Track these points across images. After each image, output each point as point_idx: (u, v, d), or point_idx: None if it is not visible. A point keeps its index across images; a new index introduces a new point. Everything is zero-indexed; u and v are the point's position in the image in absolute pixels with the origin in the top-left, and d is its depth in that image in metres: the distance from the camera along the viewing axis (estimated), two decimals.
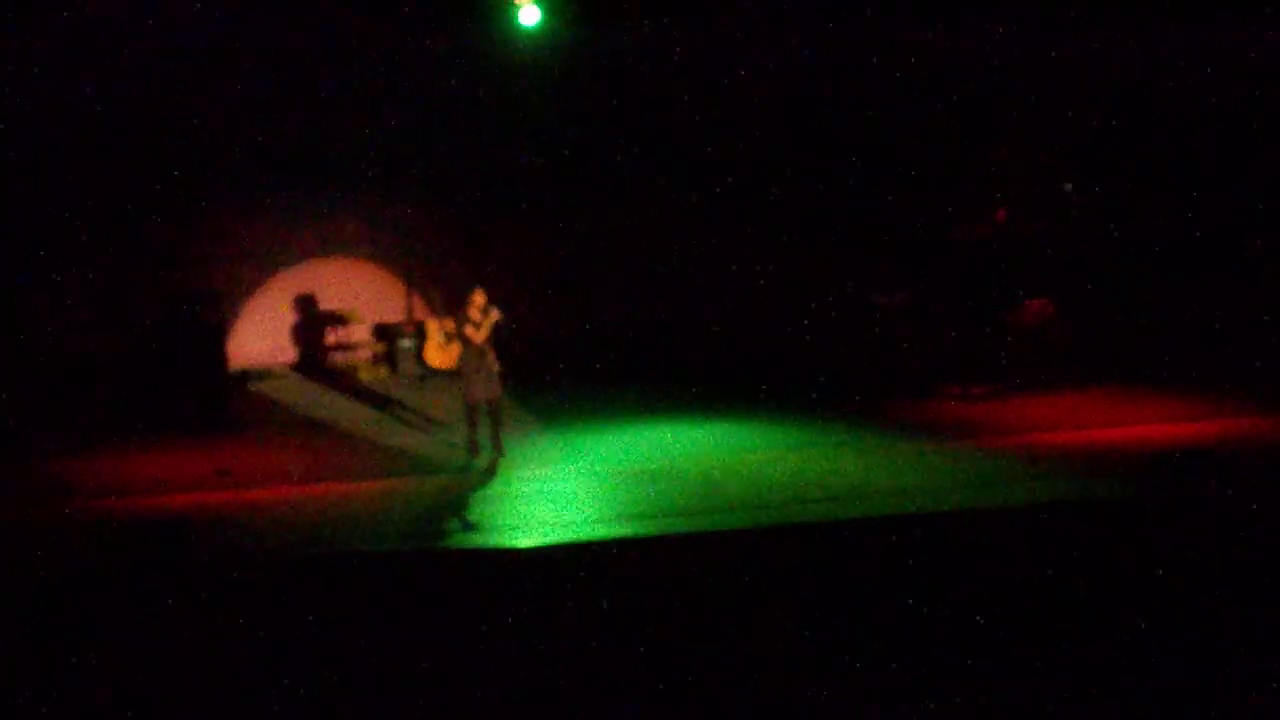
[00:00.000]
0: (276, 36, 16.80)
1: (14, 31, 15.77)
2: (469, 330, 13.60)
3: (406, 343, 18.56)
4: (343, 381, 18.35)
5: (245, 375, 18.02)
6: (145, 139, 17.13)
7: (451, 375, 17.54)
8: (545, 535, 11.19)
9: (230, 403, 16.42)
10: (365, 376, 18.64)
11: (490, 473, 13.46)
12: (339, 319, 18.95)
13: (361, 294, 19.29)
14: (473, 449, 13.92)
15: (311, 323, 19.06)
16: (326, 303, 19.10)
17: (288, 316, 19.13)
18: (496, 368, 13.76)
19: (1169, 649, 8.23)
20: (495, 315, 13.61)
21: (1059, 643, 8.26)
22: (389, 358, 18.66)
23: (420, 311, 18.91)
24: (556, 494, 12.52)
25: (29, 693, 7.93)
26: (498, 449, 13.93)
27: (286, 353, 19.11)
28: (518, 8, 16.35)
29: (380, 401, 17.15)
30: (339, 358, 18.95)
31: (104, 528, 11.31)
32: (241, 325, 18.47)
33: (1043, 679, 7.86)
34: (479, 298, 13.65)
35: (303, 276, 19.21)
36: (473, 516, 11.90)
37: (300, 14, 16.69)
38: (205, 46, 16.62)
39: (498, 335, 13.74)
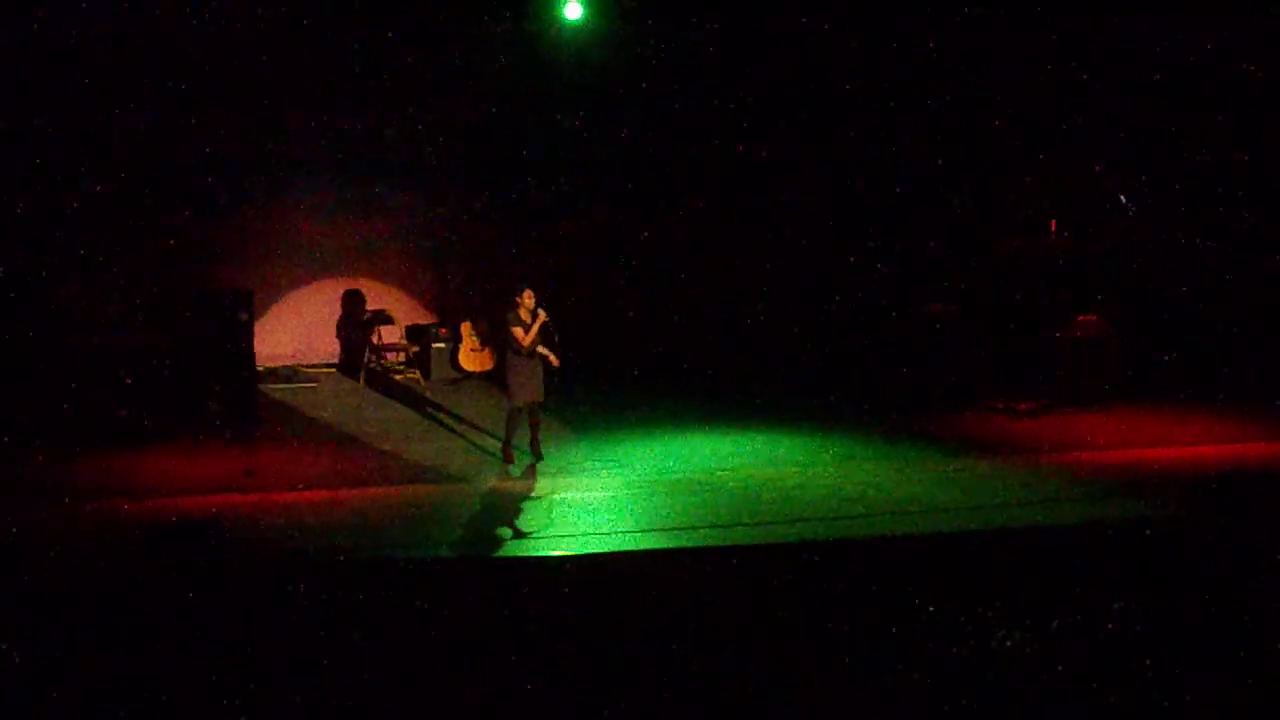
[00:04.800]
0: (313, 35, 16.63)
1: (53, 27, 15.68)
2: (518, 332, 13.27)
3: (439, 345, 18.37)
4: (377, 382, 18.15)
5: (274, 374, 17.87)
6: (178, 135, 17.01)
7: (484, 378, 17.48)
8: (579, 545, 11.00)
9: (258, 403, 16.25)
10: (397, 379, 18.47)
11: (525, 479, 13.27)
12: (387, 318, 18.77)
13: (392, 294, 19.13)
14: (507, 455, 13.66)
15: (357, 321, 18.82)
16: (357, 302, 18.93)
17: (318, 314, 18.95)
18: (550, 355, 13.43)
19: (1216, 671, 8.15)
20: (543, 317, 13.30)
21: (1099, 669, 8.14)
22: (421, 360, 18.44)
23: (454, 313, 18.73)
24: (591, 503, 12.33)
25: (50, 695, 7.87)
26: (536, 454, 13.69)
27: (316, 352, 18.94)
28: (563, 2, 16.19)
29: (414, 404, 16.94)
30: (375, 359, 18.80)
31: (127, 528, 11.23)
32: (270, 323, 18.29)
33: (1083, 703, 7.71)
34: (528, 299, 13.31)
35: (333, 275, 19.02)
36: (504, 524, 11.73)
37: (337, 12, 16.52)
38: (243, 44, 16.47)
39: (545, 337, 13.42)
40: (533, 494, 12.75)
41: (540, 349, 13.33)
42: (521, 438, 13.73)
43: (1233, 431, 15.08)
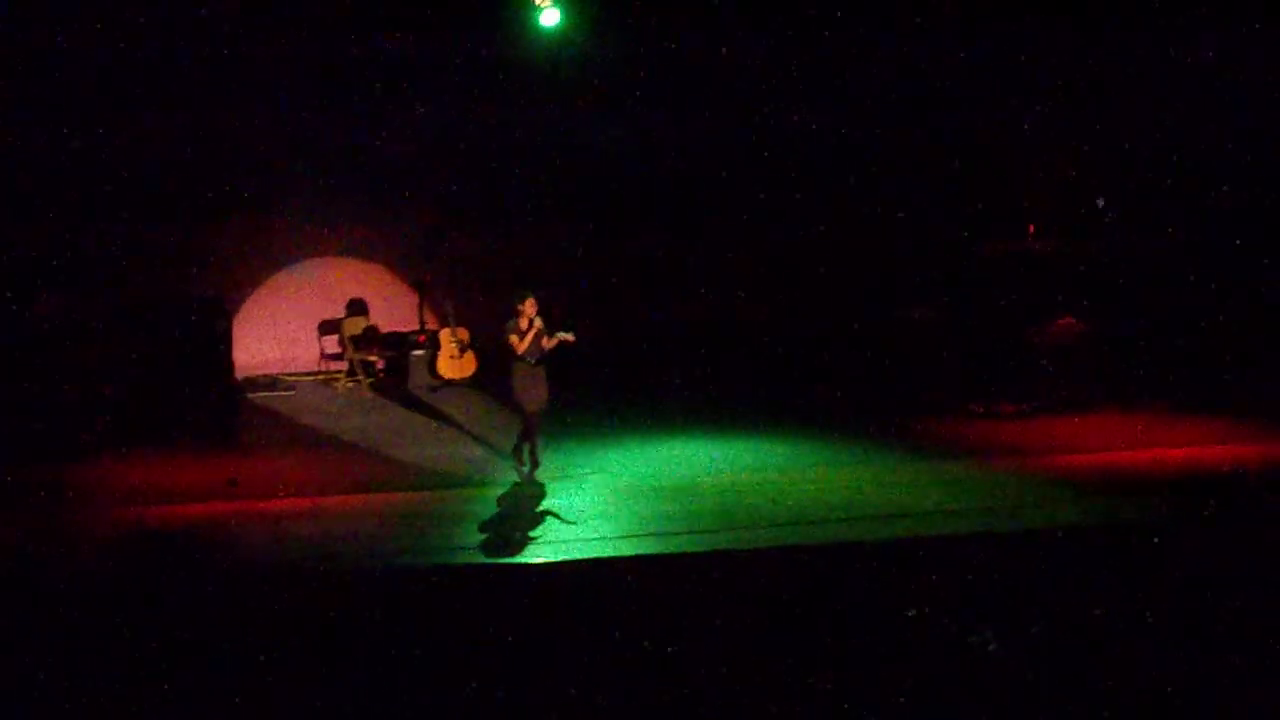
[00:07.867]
0: (290, 36, 16.57)
1: (24, 32, 15.60)
2: (513, 340, 13.18)
3: (419, 352, 18.31)
4: (357, 390, 18.07)
5: (254, 383, 17.79)
6: (153, 140, 16.92)
7: (463, 386, 17.43)
8: (561, 551, 11.00)
9: (240, 411, 16.19)
10: (376, 386, 18.39)
11: (512, 485, 13.23)
12: (367, 326, 18.69)
13: (371, 301, 19.05)
14: (519, 459, 13.48)
15: (337, 330, 18.70)
16: (336, 311, 18.80)
17: (298, 323, 18.83)
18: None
19: (1194, 673, 8.18)
20: (538, 325, 13.20)
21: (1084, 671, 8.15)
22: (400, 367, 18.37)
23: (433, 321, 18.69)
24: (574, 509, 12.31)
25: (34, 701, 7.84)
26: (533, 461, 13.59)
27: (296, 361, 18.84)
28: (539, 10, 16.17)
29: (393, 411, 16.89)
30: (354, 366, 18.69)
31: (111, 537, 11.17)
32: (251, 332, 18.20)
33: (1068, 705, 7.72)
34: (529, 308, 13.16)
35: (311, 281, 18.99)
36: (486, 530, 11.74)
37: (316, 15, 16.47)
38: (218, 47, 16.41)
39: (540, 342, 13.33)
40: (518, 500, 12.72)
41: (546, 343, 13.21)
42: (508, 443, 13.67)
43: (1213, 433, 15.15)
